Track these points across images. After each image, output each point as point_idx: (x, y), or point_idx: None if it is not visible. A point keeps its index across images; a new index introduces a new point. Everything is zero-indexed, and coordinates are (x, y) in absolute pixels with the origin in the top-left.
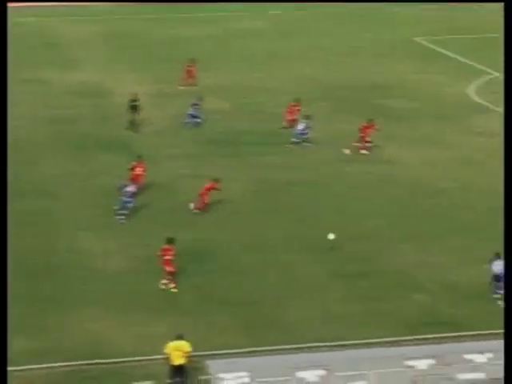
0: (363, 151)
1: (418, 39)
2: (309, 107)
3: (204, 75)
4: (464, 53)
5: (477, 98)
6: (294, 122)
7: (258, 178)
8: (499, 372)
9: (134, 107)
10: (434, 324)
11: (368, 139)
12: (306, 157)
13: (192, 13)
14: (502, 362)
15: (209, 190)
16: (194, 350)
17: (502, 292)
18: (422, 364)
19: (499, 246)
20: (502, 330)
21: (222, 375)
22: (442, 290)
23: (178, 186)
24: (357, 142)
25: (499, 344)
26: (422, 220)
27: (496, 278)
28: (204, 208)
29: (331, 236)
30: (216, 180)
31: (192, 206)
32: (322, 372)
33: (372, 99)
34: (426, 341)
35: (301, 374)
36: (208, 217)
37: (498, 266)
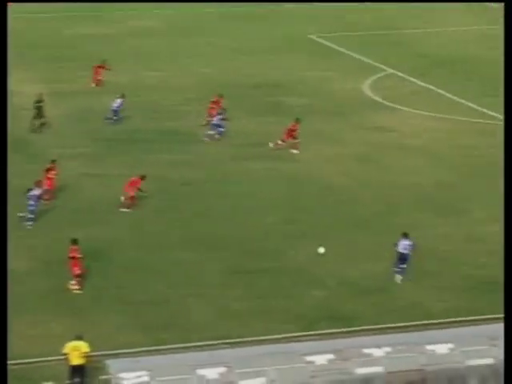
0: (273, 146)
1: (312, 36)
2: (204, 105)
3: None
4: (358, 50)
5: (372, 95)
6: (215, 116)
7: (157, 176)
8: (396, 365)
9: (38, 108)
10: (333, 319)
11: (284, 139)
12: (205, 154)
13: (89, 12)
14: (398, 355)
15: (133, 184)
16: (94, 350)
17: (402, 268)
18: (321, 359)
19: (397, 239)
20: (399, 324)
21: (122, 375)
22: (340, 286)
23: (77, 185)
24: (293, 141)
25: (396, 337)
26: (320, 216)
27: (401, 255)
28: (132, 202)
29: (321, 250)
30: (142, 177)
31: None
32: (222, 369)
33: (269, 96)
34: (325, 336)
35: (201, 372)
36: (107, 216)
37: (403, 245)
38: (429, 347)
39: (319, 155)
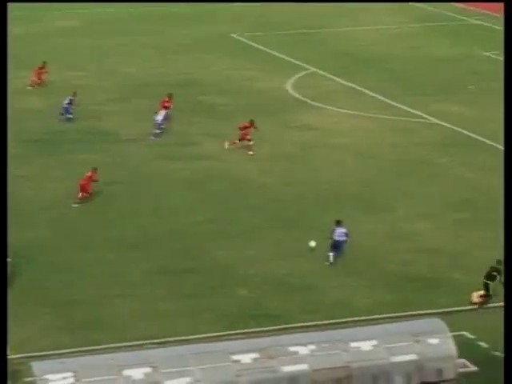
0: (250, 152)
1: (235, 36)
2: (128, 104)
3: (22, 74)
4: (281, 49)
5: (295, 93)
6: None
7: (80, 177)
8: (321, 363)
9: None
10: (259, 317)
11: (249, 137)
12: (129, 154)
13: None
14: (323, 352)
15: (89, 179)
16: (19, 352)
17: (333, 254)
18: (247, 358)
19: (319, 237)
20: (324, 321)
21: (47, 376)
22: (266, 284)
23: None
24: (237, 140)
25: (321, 335)
26: (245, 215)
27: (335, 243)
28: (88, 196)
29: (313, 243)
30: (94, 169)
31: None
32: (148, 369)
33: (191, 96)
34: (251, 334)
35: (127, 373)
36: (33, 217)
37: (339, 233)
38: (353, 344)
39: (245, 154)
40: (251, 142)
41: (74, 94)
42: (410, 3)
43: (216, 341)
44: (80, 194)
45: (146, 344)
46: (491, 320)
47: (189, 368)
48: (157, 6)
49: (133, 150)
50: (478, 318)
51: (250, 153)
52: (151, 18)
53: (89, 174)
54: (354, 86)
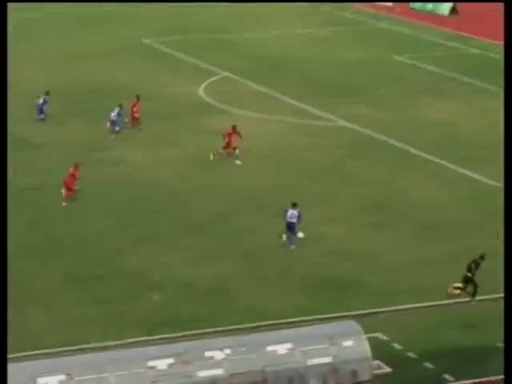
0: (237, 162)
1: (146, 40)
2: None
3: None
4: (192, 53)
5: (207, 98)
6: (137, 120)
7: None
8: (237, 367)
9: None
10: (173, 323)
11: (234, 145)
12: (36, 161)
13: None
14: (239, 357)
15: (72, 176)
16: None
17: (285, 236)
18: (163, 364)
19: (230, 240)
20: (239, 326)
21: None
22: (179, 289)
23: None
24: (223, 149)
25: (236, 339)
26: (157, 220)
27: (288, 224)
28: (72, 194)
29: (300, 234)
30: (76, 165)
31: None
32: (62, 377)
33: (104, 101)
34: (166, 340)
35: (41, 381)
36: None
37: (291, 214)
38: (269, 348)
39: (156, 159)
40: (236, 151)
41: (47, 93)
42: (321, 8)
43: (131, 347)
44: (64, 192)
45: (60, 352)
46: (405, 322)
47: (104, 375)
48: (68, 5)
49: (43, 156)
50: (392, 320)
51: (238, 162)
52: (60, 22)
53: (71, 170)
54: (266, 89)
